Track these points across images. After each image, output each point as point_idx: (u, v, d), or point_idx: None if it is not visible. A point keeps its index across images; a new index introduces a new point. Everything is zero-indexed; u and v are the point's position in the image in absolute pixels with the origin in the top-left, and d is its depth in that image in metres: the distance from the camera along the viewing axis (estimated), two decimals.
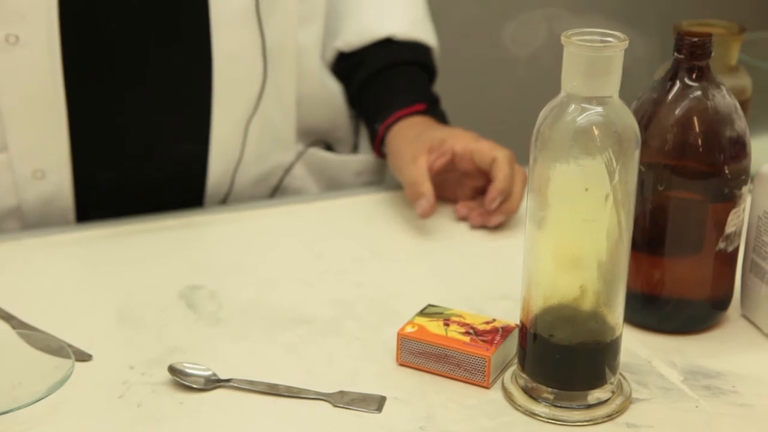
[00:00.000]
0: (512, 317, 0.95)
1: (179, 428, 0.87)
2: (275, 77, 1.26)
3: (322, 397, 0.90)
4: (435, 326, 0.95)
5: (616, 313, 0.88)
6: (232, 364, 0.94)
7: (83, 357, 0.95)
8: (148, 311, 1.02)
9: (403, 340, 0.94)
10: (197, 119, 1.23)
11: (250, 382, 0.92)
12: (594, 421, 0.88)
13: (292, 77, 1.28)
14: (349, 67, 1.34)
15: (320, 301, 1.05)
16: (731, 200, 0.95)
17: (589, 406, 0.88)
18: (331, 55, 1.34)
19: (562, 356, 0.88)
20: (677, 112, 0.94)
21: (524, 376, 0.90)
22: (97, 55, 1.18)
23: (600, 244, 0.85)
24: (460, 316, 0.96)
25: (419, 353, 0.94)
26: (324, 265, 1.12)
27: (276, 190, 1.35)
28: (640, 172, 0.87)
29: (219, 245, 1.17)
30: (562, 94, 0.84)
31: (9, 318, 1.00)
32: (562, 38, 0.83)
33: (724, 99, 0.95)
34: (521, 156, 1.07)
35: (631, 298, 0.91)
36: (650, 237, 0.96)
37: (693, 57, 0.94)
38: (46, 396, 0.87)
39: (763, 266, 0.98)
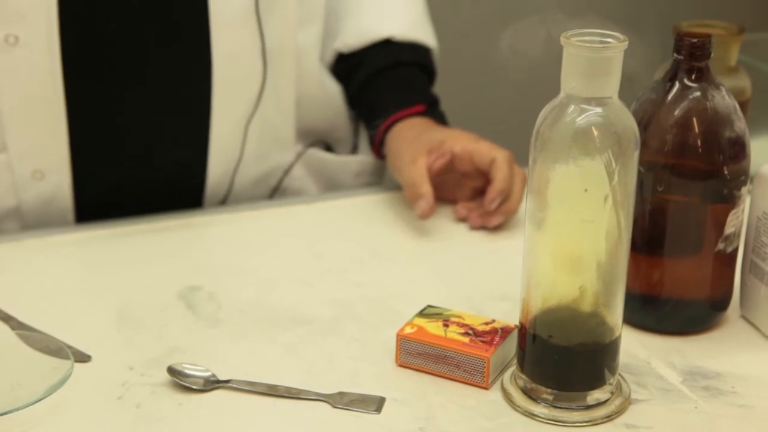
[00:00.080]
0: (511, 318, 0.95)
1: (178, 429, 0.87)
2: (275, 78, 1.26)
3: (321, 398, 0.90)
4: (434, 327, 0.95)
5: (615, 314, 0.88)
6: (232, 364, 0.94)
7: (82, 358, 0.95)
8: (147, 312, 1.02)
9: (402, 341, 0.94)
10: (197, 120, 1.23)
11: (250, 383, 0.92)
12: (593, 422, 0.88)
13: (292, 78, 1.28)
14: (349, 68, 1.34)
15: (319, 302, 1.05)
16: (730, 201, 0.95)
17: (588, 407, 0.88)
18: (330, 56, 1.34)
19: (561, 357, 0.88)
20: (677, 112, 0.94)
21: (523, 376, 0.90)
22: (97, 56, 1.18)
23: (599, 244, 0.85)
24: (459, 316, 0.96)
25: (418, 354, 0.94)
26: (323, 266, 1.12)
27: (275, 190, 1.35)
28: (639, 172, 0.87)
29: (218, 246, 1.17)
30: (562, 94, 0.84)
31: (8, 319, 1.00)
32: (562, 39, 0.83)
33: (723, 100, 0.95)
34: (521, 157, 1.07)
35: (630, 298, 0.91)
36: (649, 238, 0.96)
37: (692, 58, 0.94)
38: (45, 397, 0.87)
39: (762, 267, 0.98)
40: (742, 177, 0.95)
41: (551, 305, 0.87)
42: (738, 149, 0.95)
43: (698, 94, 0.94)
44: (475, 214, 1.20)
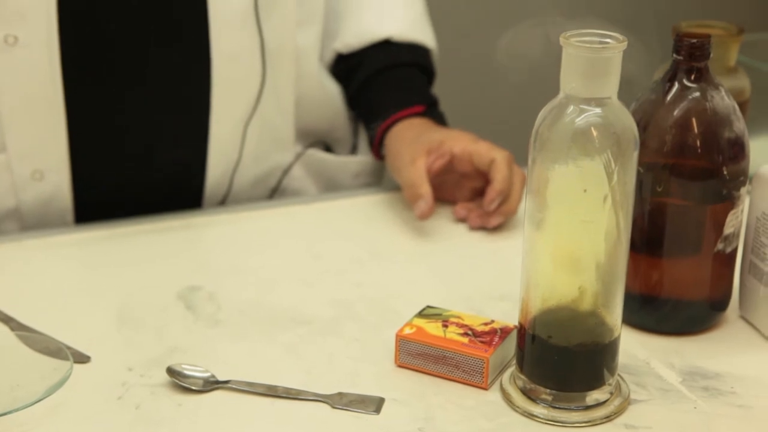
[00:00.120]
0: (511, 318, 0.95)
1: (178, 430, 0.87)
2: (274, 78, 1.26)
3: (320, 399, 0.90)
4: (433, 327, 0.95)
5: (614, 314, 0.88)
6: (231, 365, 0.94)
7: (82, 358, 0.95)
8: (146, 312, 1.02)
9: (401, 341, 0.94)
10: (196, 120, 1.23)
11: (249, 384, 0.92)
12: (592, 423, 0.88)
13: (291, 78, 1.28)
14: (348, 68, 1.34)
15: (319, 303, 1.05)
16: (730, 201, 0.95)
17: (588, 408, 0.88)
18: (330, 56, 1.34)
19: (560, 357, 0.88)
20: (676, 113, 0.94)
21: (522, 377, 0.90)
22: (96, 56, 1.18)
23: (598, 245, 0.85)
24: (458, 317, 0.96)
25: (418, 354, 0.94)
26: (323, 266, 1.12)
27: (275, 191, 1.35)
28: (638, 173, 0.87)
29: (218, 246, 1.17)
30: (561, 95, 0.84)
31: (8, 320, 1.00)
32: (561, 39, 0.83)
33: (722, 100, 0.95)
34: (520, 157, 1.07)
35: (629, 299, 0.91)
36: (649, 238, 0.96)
37: (692, 58, 0.94)
38: (45, 398, 0.87)
39: (761, 267, 0.98)
40: (741, 177, 0.95)
41: (550, 305, 0.87)
42: (737, 150, 0.95)
43: (697, 94, 0.94)
44: (475, 215, 1.20)
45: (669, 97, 0.95)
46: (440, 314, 0.97)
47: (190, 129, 1.24)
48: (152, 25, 1.19)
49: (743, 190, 0.96)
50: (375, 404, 0.90)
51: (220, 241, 1.18)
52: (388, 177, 1.31)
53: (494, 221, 1.18)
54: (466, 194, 1.23)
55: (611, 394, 0.90)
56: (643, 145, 0.91)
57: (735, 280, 1.01)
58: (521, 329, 0.89)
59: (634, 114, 0.90)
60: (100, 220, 1.21)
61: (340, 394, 0.91)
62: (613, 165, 0.83)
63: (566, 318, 0.87)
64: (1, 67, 1.14)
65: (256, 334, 1.00)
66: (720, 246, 0.96)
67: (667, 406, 0.90)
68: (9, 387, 0.89)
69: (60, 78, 1.16)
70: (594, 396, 0.89)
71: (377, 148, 1.29)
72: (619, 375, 0.91)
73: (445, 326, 0.95)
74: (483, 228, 1.19)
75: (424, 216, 1.17)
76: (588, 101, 0.83)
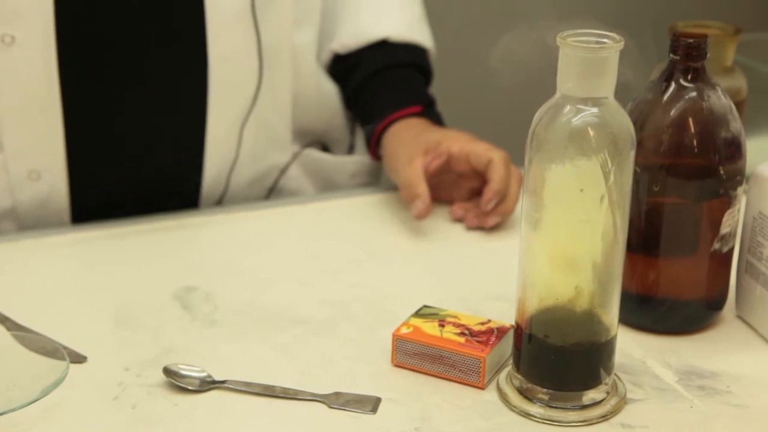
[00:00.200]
0: (507, 318, 0.95)
1: (174, 430, 0.87)
2: (271, 78, 1.26)
3: (317, 399, 0.90)
4: (430, 327, 0.95)
5: (611, 314, 0.88)
6: (228, 365, 0.94)
7: (78, 359, 0.95)
8: (143, 312, 1.02)
9: (398, 341, 0.94)
10: (192, 120, 1.23)
11: (246, 384, 0.92)
12: (589, 422, 0.88)
13: (288, 78, 1.28)
14: (345, 68, 1.34)
15: (315, 302, 1.05)
16: (726, 201, 0.95)
17: (584, 407, 0.88)
18: (327, 56, 1.34)
19: (557, 357, 0.88)
20: (672, 113, 0.94)
21: (519, 376, 0.90)
22: (93, 56, 1.18)
23: (595, 244, 0.85)
24: (455, 317, 0.96)
25: (414, 354, 0.94)
26: (319, 266, 1.12)
27: (271, 191, 1.35)
28: (635, 173, 0.87)
29: (214, 246, 1.17)
30: (558, 95, 0.84)
31: (4, 320, 1.00)
32: (558, 39, 0.83)
33: (719, 100, 0.95)
34: (517, 157, 1.07)
35: (626, 298, 0.91)
36: (645, 238, 0.96)
37: (688, 58, 0.94)
38: (41, 398, 0.87)
39: (758, 267, 0.98)
40: (737, 177, 0.95)
41: (547, 305, 0.87)
42: (734, 149, 0.95)
43: (694, 94, 0.94)
44: (472, 215, 1.20)
45: (666, 97, 0.95)
46: (437, 314, 0.97)
47: (187, 129, 1.24)
48: (150, 25, 1.19)
49: (740, 190, 0.96)
50: (372, 404, 0.90)
51: (216, 241, 1.18)
52: (385, 177, 1.31)
53: (491, 221, 1.18)
54: (463, 194, 1.23)
55: (608, 393, 0.90)
56: (640, 144, 0.91)
57: (732, 280, 1.01)
58: (518, 329, 0.89)
59: (630, 114, 0.90)
60: (96, 221, 1.20)
61: (336, 393, 0.91)
62: (609, 165, 0.83)
63: (563, 317, 0.87)
64: None
65: (253, 334, 1.00)
66: (716, 245, 0.96)
67: (663, 406, 0.90)
68: (5, 387, 0.89)
69: (57, 78, 1.16)
70: (590, 395, 0.89)
71: (374, 148, 1.29)
72: (615, 374, 0.91)
73: (442, 326, 0.95)
74: (480, 228, 1.19)
75: (421, 216, 1.17)
76: (585, 101, 0.83)
